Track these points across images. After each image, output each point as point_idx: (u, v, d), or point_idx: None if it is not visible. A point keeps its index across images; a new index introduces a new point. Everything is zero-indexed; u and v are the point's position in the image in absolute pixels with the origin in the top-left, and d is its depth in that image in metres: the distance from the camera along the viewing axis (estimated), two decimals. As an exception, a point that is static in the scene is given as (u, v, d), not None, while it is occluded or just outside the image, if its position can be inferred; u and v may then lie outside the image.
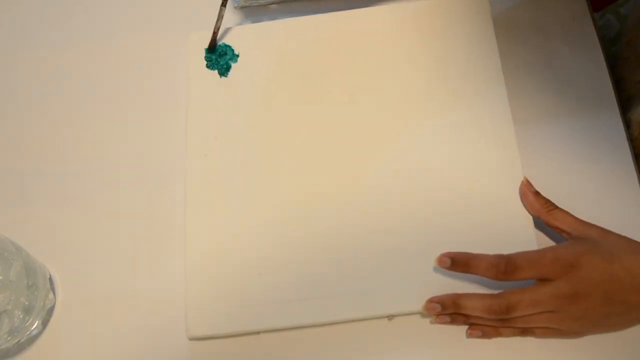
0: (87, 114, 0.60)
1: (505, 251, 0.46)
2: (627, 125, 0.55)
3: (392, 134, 0.54)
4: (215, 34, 0.56)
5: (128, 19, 0.63)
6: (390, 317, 0.49)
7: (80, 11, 0.64)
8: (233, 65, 0.57)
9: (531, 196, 0.49)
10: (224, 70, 0.57)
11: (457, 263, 0.46)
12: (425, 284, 0.48)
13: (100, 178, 0.57)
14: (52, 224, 0.56)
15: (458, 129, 0.53)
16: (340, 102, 0.55)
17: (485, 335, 0.47)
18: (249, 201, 0.53)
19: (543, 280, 0.45)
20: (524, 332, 0.47)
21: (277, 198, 0.52)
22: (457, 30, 0.57)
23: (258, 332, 0.50)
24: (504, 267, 0.45)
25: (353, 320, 0.49)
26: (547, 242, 0.51)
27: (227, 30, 0.59)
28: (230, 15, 0.62)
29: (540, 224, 0.50)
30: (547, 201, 0.49)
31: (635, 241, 0.45)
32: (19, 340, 0.51)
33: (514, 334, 0.47)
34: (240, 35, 0.59)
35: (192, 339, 0.50)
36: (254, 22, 0.60)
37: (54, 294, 0.53)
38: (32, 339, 0.52)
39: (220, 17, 0.55)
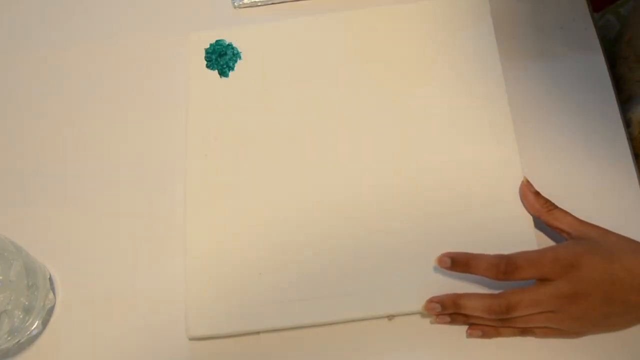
0: (87, 114, 0.60)
1: (505, 251, 0.46)
2: (627, 124, 0.55)
3: (392, 134, 0.54)
4: None
5: (128, 19, 0.63)
6: (390, 317, 0.49)
7: (80, 11, 0.64)
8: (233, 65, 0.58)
9: (531, 196, 0.49)
10: (224, 70, 0.57)
11: (457, 263, 0.46)
12: (425, 284, 0.48)
13: (100, 178, 0.57)
14: (52, 224, 0.56)
15: (458, 129, 0.53)
16: (339, 102, 0.55)
17: (485, 335, 0.47)
18: (249, 201, 0.53)
19: (543, 280, 0.45)
20: (524, 332, 0.47)
21: (277, 198, 0.53)
22: (457, 30, 0.57)
23: (258, 332, 0.50)
24: (504, 267, 0.45)
25: (353, 320, 0.49)
26: (547, 242, 0.51)
27: (227, 30, 0.58)
28: (230, 15, 0.62)
29: (540, 224, 0.50)
30: (547, 201, 0.49)
31: (635, 241, 0.45)
32: (19, 340, 0.51)
33: (514, 334, 0.47)
34: (240, 35, 0.59)
35: (192, 339, 0.50)
36: (253, 22, 0.60)
37: (54, 294, 0.53)
38: (32, 339, 0.52)
39: None
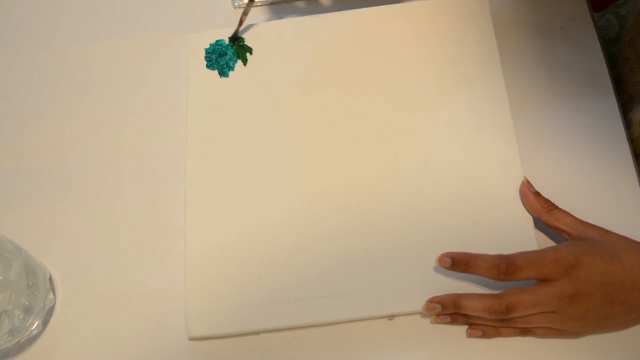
0: (87, 114, 0.60)
1: (506, 251, 0.46)
2: (628, 125, 0.55)
3: (392, 134, 0.54)
4: (239, 24, 0.57)
5: (128, 19, 0.63)
6: (390, 317, 0.49)
7: (80, 11, 0.64)
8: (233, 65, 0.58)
9: (531, 196, 0.49)
10: (224, 70, 0.57)
11: (458, 263, 0.46)
12: (425, 284, 0.48)
13: (100, 178, 0.57)
14: (52, 224, 0.56)
15: (458, 130, 0.53)
16: (339, 102, 0.55)
17: (485, 335, 0.47)
18: (249, 201, 0.53)
19: (544, 280, 0.45)
20: (524, 332, 0.47)
21: (277, 198, 0.52)
22: (457, 30, 0.57)
23: (258, 332, 0.50)
24: (504, 268, 0.45)
25: (353, 320, 0.49)
26: (547, 242, 0.51)
27: (227, 30, 0.58)
28: (230, 15, 0.62)
29: (540, 224, 0.50)
30: (548, 201, 0.49)
31: (635, 241, 0.45)
32: (19, 340, 0.51)
33: (514, 334, 0.47)
34: (239, 35, 0.59)
35: (192, 339, 0.50)
36: (253, 22, 0.59)
37: (54, 294, 0.53)
38: (32, 339, 0.52)
39: (246, 10, 0.56)
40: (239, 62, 0.58)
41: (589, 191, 0.52)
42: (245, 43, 0.58)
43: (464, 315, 0.47)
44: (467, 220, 0.50)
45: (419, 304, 0.48)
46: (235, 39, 0.58)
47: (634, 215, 0.51)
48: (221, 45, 0.58)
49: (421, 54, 0.56)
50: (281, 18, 0.60)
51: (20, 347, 0.52)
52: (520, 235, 0.49)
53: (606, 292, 0.43)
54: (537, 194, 0.49)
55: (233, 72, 0.57)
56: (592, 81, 0.56)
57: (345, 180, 0.53)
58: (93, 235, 0.55)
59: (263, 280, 0.50)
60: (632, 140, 0.54)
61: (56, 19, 0.64)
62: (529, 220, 0.50)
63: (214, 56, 0.58)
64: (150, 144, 0.58)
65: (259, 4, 0.62)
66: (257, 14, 0.62)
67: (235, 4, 0.62)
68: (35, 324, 0.51)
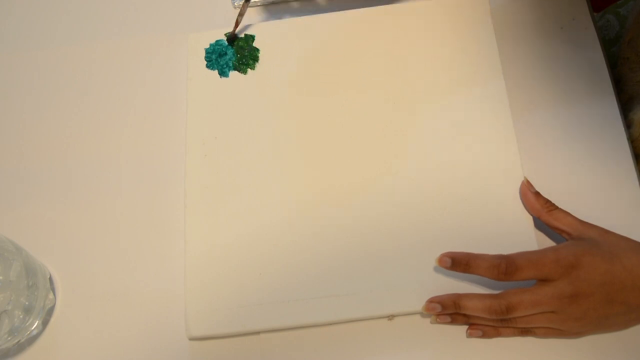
0: (87, 114, 0.60)
1: (506, 251, 0.46)
2: (628, 125, 0.55)
3: (392, 134, 0.54)
4: (236, 25, 0.57)
5: (128, 19, 0.63)
6: (390, 317, 0.49)
7: (81, 11, 0.64)
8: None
9: (531, 196, 0.49)
10: (224, 70, 0.57)
11: (458, 263, 0.46)
12: (425, 284, 0.48)
13: (100, 178, 0.57)
14: (52, 224, 0.56)
15: (458, 130, 0.53)
16: (339, 102, 0.55)
17: (485, 335, 0.47)
18: (249, 201, 0.53)
19: (544, 280, 0.45)
20: (524, 332, 0.47)
21: (277, 198, 0.52)
22: (457, 30, 0.57)
23: (258, 332, 0.50)
24: (504, 268, 0.45)
25: (353, 320, 0.49)
26: (547, 242, 0.51)
27: (227, 30, 0.58)
28: (230, 15, 0.62)
29: (540, 224, 0.50)
30: (548, 201, 0.49)
31: (635, 241, 0.45)
32: (19, 340, 0.51)
33: (514, 334, 0.47)
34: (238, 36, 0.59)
35: (192, 339, 0.50)
36: (253, 22, 0.59)
37: (54, 294, 0.53)
38: (32, 339, 0.52)
39: (242, 11, 0.56)
40: (239, 62, 0.58)
41: (589, 191, 0.52)
42: (227, 51, 0.57)
43: (464, 315, 0.47)
44: (467, 220, 0.50)
45: (419, 304, 0.48)
46: (233, 39, 0.58)
47: (634, 215, 0.51)
48: (221, 45, 0.58)
49: (421, 54, 0.56)
50: (279, 18, 0.60)
51: (20, 347, 0.52)
52: (520, 235, 0.49)
53: (606, 292, 0.43)
54: (537, 194, 0.49)
55: (233, 72, 0.57)
56: (592, 81, 0.56)
57: (345, 180, 0.53)
58: (93, 235, 0.55)
59: (263, 280, 0.50)
60: (632, 140, 0.54)
61: (56, 19, 0.64)
62: (529, 220, 0.50)
63: (214, 56, 0.58)
64: (150, 144, 0.58)
65: (257, 4, 0.62)
66: (257, 14, 0.62)
67: (235, 4, 0.62)
68: (35, 324, 0.51)
